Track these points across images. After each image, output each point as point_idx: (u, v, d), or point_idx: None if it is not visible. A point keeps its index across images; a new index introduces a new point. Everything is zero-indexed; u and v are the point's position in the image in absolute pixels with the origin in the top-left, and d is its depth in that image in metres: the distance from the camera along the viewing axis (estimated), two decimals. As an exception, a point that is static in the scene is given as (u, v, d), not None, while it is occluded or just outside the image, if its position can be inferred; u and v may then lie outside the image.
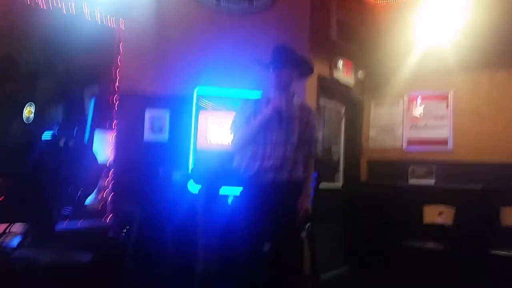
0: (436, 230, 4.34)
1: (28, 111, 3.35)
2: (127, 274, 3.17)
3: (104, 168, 3.66)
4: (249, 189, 2.68)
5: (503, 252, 3.87)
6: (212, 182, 3.18)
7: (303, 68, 2.79)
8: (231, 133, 2.77)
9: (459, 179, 4.54)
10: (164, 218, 3.46)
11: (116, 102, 3.79)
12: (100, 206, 3.59)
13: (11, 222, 2.53)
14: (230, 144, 2.79)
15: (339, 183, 5.09)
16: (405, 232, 4.41)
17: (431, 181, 4.74)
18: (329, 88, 4.62)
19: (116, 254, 3.00)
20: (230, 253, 2.86)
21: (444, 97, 4.88)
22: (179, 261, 3.37)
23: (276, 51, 2.70)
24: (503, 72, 4.54)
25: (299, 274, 3.08)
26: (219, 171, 3.31)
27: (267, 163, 2.62)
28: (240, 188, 2.76)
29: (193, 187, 3.45)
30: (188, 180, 3.46)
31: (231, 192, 3.34)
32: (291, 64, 2.69)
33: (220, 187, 3.21)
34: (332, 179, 5.00)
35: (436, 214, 4.44)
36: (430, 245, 4.19)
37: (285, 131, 2.66)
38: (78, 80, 3.83)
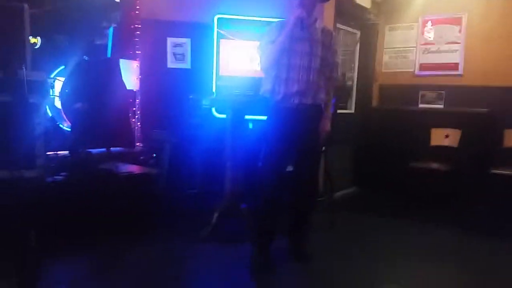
0: (442, 152, 4.60)
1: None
2: (161, 192, 3.51)
3: (131, 94, 3.82)
4: (275, 113, 2.82)
5: (504, 172, 4.16)
6: (237, 109, 3.34)
7: None
8: (258, 55, 2.83)
9: (467, 103, 4.72)
10: (193, 142, 3.70)
11: (137, 30, 3.83)
12: (131, 132, 3.80)
13: (95, 142, 2.76)
14: (259, 66, 2.86)
15: (351, 108, 5.27)
16: (413, 154, 4.66)
17: (440, 105, 4.94)
18: (346, 11, 4.61)
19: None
20: (256, 174, 3.12)
21: (458, 21, 4.88)
22: (208, 181, 3.68)
23: None
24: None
25: (317, 191, 3.36)
26: (242, 98, 3.48)
27: (292, 88, 2.73)
28: (266, 114, 2.91)
29: (219, 113, 3.65)
30: (213, 107, 3.64)
31: (255, 117, 3.55)
32: None
33: (245, 113, 3.38)
34: (345, 104, 5.18)
35: (443, 137, 4.68)
36: (435, 165, 4.47)
37: (308, 54, 2.73)
38: (98, 6, 3.84)
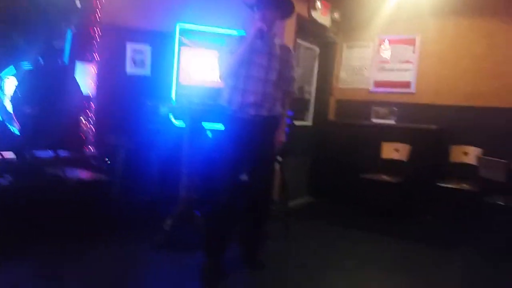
0: (392, 165, 4.82)
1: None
2: (114, 198, 3.46)
3: (87, 99, 3.76)
4: (232, 123, 2.88)
5: (449, 185, 4.41)
6: (195, 117, 3.37)
7: (286, 9, 2.91)
8: (218, 65, 2.88)
9: (417, 120, 4.98)
10: (149, 148, 3.69)
11: (97, 34, 3.80)
12: (84, 137, 3.73)
13: (44, 146, 2.68)
14: (219, 78, 2.89)
15: (309, 121, 5.43)
16: (365, 166, 4.86)
17: (391, 121, 5.17)
18: (306, 28, 4.79)
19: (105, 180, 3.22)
20: (211, 182, 3.14)
21: (412, 41, 5.16)
22: (162, 189, 3.66)
23: None
24: (467, 19, 4.83)
25: (272, 200, 3.42)
26: (201, 106, 3.51)
27: (249, 99, 2.80)
28: (223, 122, 2.96)
29: (177, 121, 3.66)
30: (172, 115, 3.65)
31: (212, 126, 3.60)
32: (275, 5, 2.81)
33: (203, 121, 3.42)
34: (302, 116, 5.32)
35: (393, 151, 4.91)
36: (386, 177, 4.67)
37: (265, 67, 2.82)
38: (57, 8, 3.78)
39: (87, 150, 3.63)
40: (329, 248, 3.65)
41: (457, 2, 4.78)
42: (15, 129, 3.30)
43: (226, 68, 2.82)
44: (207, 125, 3.56)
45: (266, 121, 2.87)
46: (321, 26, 5.06)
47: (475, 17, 4.79)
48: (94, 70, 3.81)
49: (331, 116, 5.61)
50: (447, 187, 4.41)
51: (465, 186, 4.36)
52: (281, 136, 3.02)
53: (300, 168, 5.17)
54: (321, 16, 4.96)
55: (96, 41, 3.83)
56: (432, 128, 4.83)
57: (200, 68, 3.87)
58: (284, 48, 2.98)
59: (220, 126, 3.02)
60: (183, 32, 3.80)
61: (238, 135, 2.84)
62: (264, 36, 2.79)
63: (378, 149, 4.96)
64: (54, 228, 2.81)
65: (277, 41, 2.95)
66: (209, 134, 3.77)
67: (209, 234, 2.97)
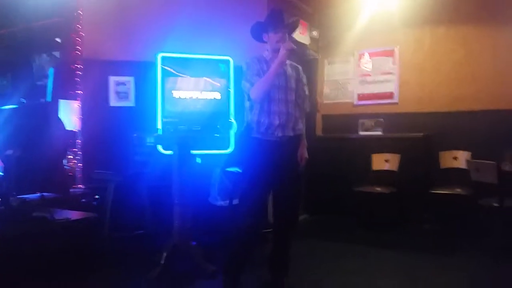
0: (384, 176, 4.83)
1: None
2: (106, 235, 3.38)
3: (72, 136, 3.72)
4: (259, 146, 2.86)
5: (442, 191, 4.41)
6: (183, 145, 3.34)
7: (292, 25, 3.01)
8: (246, 89, 2.86)
9: (404, 129, 5.02)
10: (138, 181, 3.63)
11: (79, 70, 3.79)
12: (71, 175, 3.66)
13: (28, 189, 2.61)
14: (249, 98, 2.88)
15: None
16: (357, 179, 4.86)
17: (378, 132, 5.21)
18: (286, 48, 4.84)
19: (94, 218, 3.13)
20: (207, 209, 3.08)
21: (391, 53, 5.25)
22: (155, 221, 3.60)
23: (274, 15, 2.89)
24: (442, 27, 4.94)
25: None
26: (188, 134, 3.49)
27: (274, 121, 2.82)
28: (249, 145, 2.92)
29: (165, 150, 3.63)
30: (159, 144, 3.62)
31: (200, 153, 3.58)
32: (286, 25, 2.89)
33: (192, 148, 3.39)
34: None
35: (383, 162, 4.92)
36: (378, 189, 4.67)
37: (284, 88, 2.87)
38: (38, 47, 3.78)
39: (75, 188, 3.57)
40: (332, 267, 3.58)
41: (432, 12, 4.90)
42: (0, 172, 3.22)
43: (258, 90, 2.79)
44: (195, 151, 3.53)
45: (292, 141, 2.91)
46: (301, 45, 5.13)
47: (450, 26, 4.90)
48: (78, 106, 3.78)
49: (319, 131, 5.63)
50: (440, 194, 4.41)
51: (458, 191, 4.36)
52: (305, 153, 3.03)
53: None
54: (300, 35, 5.03)
55: (78, 76, 3.82)
56: (419, 136, 4.87)
57: (184, 95, 3.88)
58: (294, 67, 3.03)
59: (209, 151, 2.98)
60: (165, 61, 3.82)
61: (266, 158, 2.83)
62: (294, 53, 2.80)
63: (368, 161, 4.97)
64: (45, 272, 2.71)
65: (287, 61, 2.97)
66: (198, 160, 3.75)
67: (231, 254, 2.93)
